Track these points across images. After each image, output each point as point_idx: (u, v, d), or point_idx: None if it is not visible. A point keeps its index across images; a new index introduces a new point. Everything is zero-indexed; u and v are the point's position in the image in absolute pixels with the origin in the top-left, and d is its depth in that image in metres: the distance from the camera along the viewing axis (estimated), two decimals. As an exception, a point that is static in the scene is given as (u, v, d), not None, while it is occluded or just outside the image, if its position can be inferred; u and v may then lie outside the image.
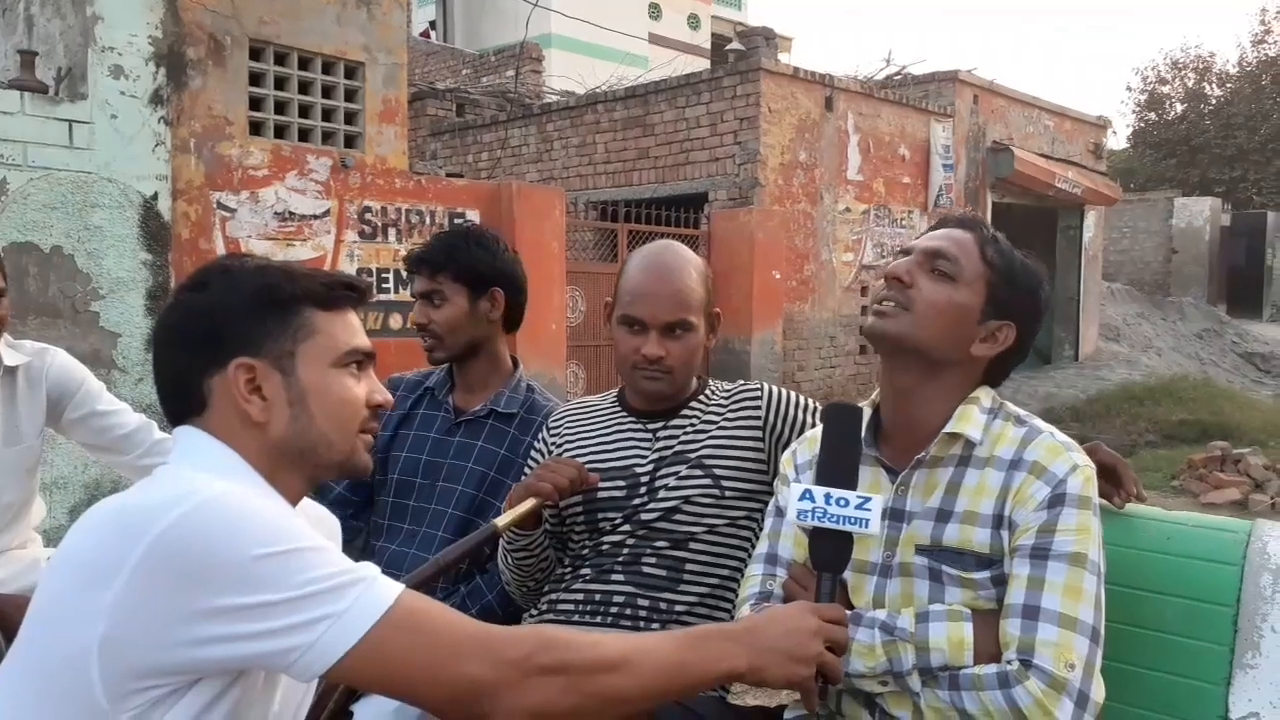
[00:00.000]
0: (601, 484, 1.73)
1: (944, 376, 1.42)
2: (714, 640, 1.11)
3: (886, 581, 1.40)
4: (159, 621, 0.93)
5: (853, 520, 1.23)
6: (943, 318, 1.38)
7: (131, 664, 0.94)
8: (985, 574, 1.33)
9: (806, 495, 1.25)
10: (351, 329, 1.17)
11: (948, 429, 1.38)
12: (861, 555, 1.41)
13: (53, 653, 0.96)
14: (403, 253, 6.09)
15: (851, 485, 1.26)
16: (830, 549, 1.26)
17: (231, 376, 1.09)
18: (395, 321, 6.04)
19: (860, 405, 1.46)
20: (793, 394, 1.83)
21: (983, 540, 1.33)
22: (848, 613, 1.31)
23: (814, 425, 1.72)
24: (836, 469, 1.28)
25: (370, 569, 1.02)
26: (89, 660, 0.94)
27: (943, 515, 1.37)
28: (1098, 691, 1.24)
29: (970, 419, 1.39)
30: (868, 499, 1.24)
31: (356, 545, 2.08)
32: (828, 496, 1.25)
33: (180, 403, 1.12)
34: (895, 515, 1.41)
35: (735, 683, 1.15)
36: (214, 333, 1.10)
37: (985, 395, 1.44)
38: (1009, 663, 1.26)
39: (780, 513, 1.53)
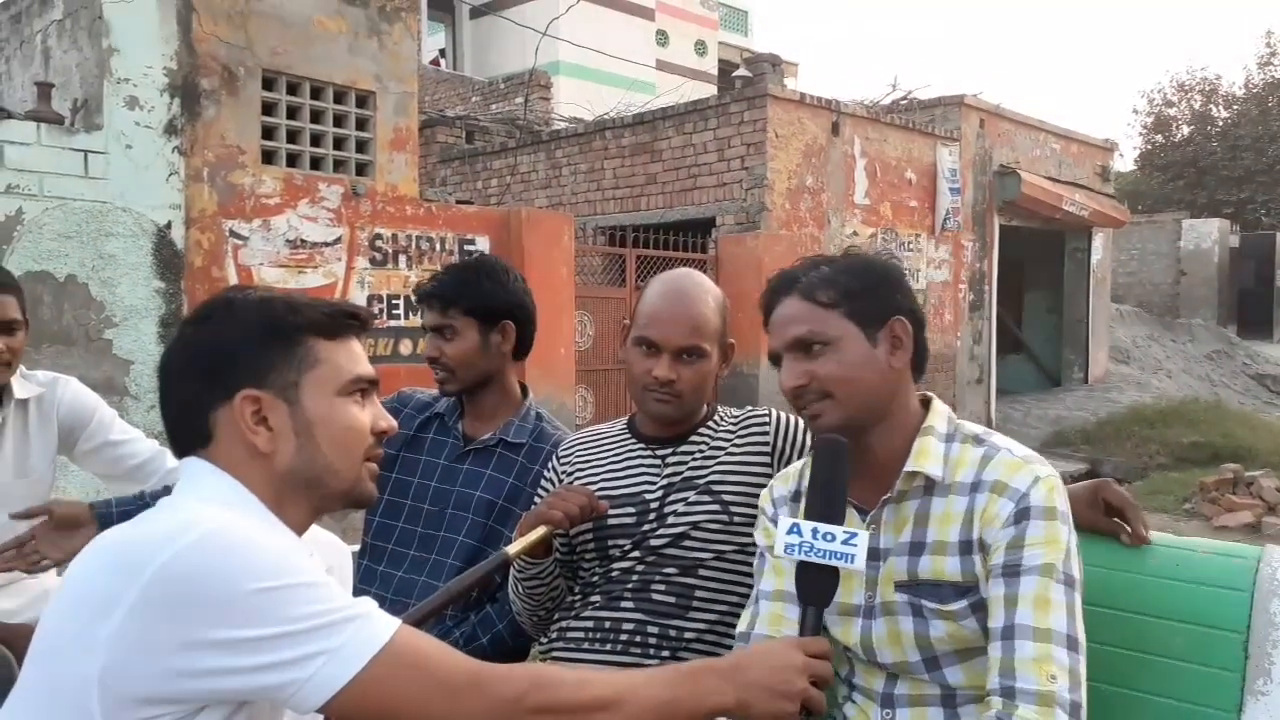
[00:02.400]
0: (611, 511, 1.74)
1: (890, 410, 1.44)
2: (702, 677, 1.12)
3: (871, 623, 1.41)
4: (157, 653, 0.94)
5: (839, 555, 1.23)
6: (855, 375, 1.40)
7: (131, 695, 0.95)
8: (963, 603, 1.34)
9: (794, 529, 1.25)
10: (355, 357, 1.18)
11: (908, 467, 1.40)
12: (846, 598, 1.42)
13: (54, 683, 0.98)
14: (413, 279, 6.14)
15: (839, 520, 1.26)
16: (816, 583, 1.26)
17: (238, 408, 1.10)
18: (405, 347, 6.07)
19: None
20: (800, 420, 1.83)
21: (954, 569, 1.35)
22: None
23: None
24: (825, 504, 1.28)
25: (368, 604, 1.03)
26: (89, 691, 0.95)
27: (915, 548, 1.38)
28: (1083, 695, 1.25)
29: (928, 453, 1.40)
30: (854, 534, 1.24)
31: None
32: (815, 531, 1.25)
33: (187, 435, 1.13)
34: (872, 554, 1.40)
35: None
36: (219, 365, 1.11)
37: (940, 419, 1.45)
38: (990, 700, 1.26)
39: (763, 554, 1.54)
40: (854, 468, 1.44)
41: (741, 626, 1.53)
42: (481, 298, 2.05)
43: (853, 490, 1.45)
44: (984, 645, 1.34)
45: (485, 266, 2.14)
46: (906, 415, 1.45)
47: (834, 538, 1.24)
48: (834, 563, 1.24)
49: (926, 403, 1.48)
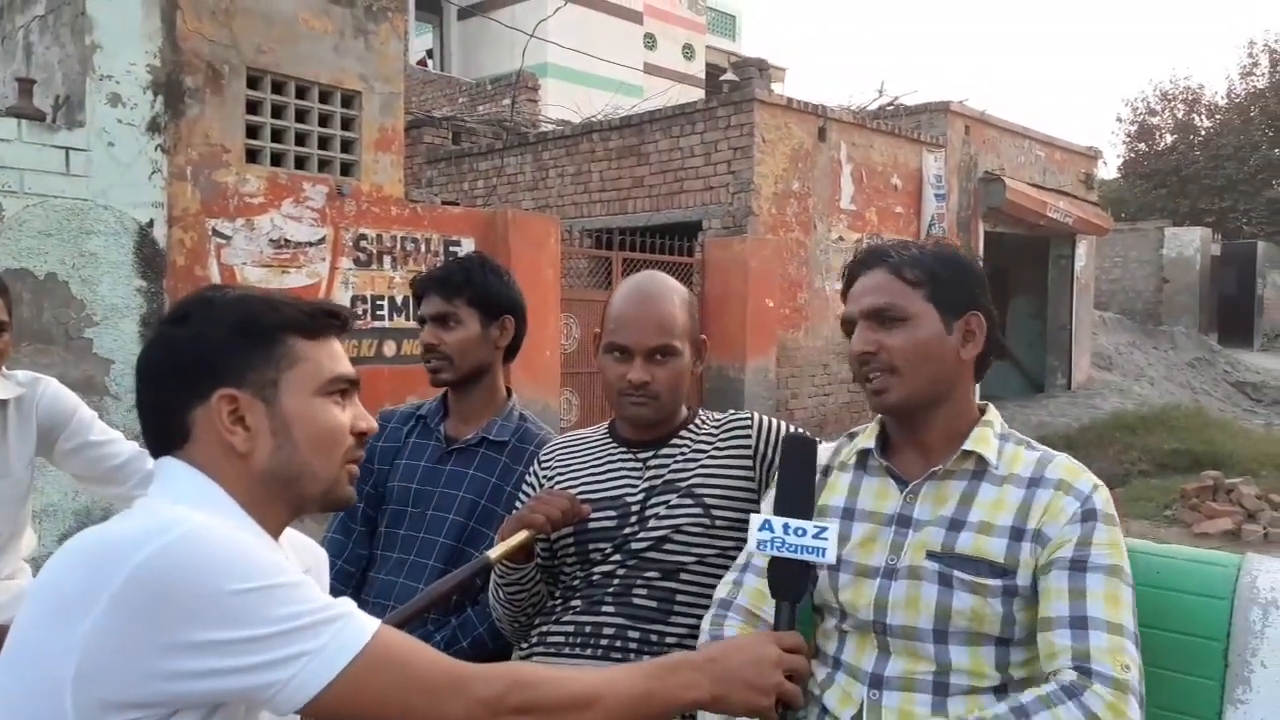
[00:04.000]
0: (593, 514, 1.73)
1: (948, 396, 1.48)
2: (679, 671, 1.14)
3: (890, 584, 1.41)
4: (133, 655, 0.93)
5: (810, 549, 1.26)
6: (922, 356, 1.44)
7: (105, 697, 0.94)
8: (998, 582, 1.36)
9: (766, 525, 1.28)
10: (335, 356, 1.17)
11: (966, 446, 1.44)
12: (864, 560, 1.44)
13: (27, 685, 0.96)
14: (398, 280, 6.11)
15: (808, 515, 1.29)
16: (788, 578, 1.28)
17: (215, 408, 1.09)
18: (389, 349, 6.04)
19: (817, 437, 1.50)
20: (783, 423, 1.83)
21: (998, 550, 1.37)
22: None
23: None
24: (794, 499, 1.30)
25: (347, 605, 1.03)
26: (63, 694, 0.93)
27: (956, 524, 1.40)
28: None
29: (987, 441, 1.45)
30: (824, 528, 1.27)
31: (355, 576, 2.06)
32: (786, 526, 1.27)
33: (164, 435, 1.12)
34: (902, 522, 1.44)
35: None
36: (197, 365, 1.10)
37: (996, 420, 1.51)
38: (1062, 673, 1.27)
39: None
40: (902, 441, 1.51)
41: (722, 593, 1.54)
42: (486, 289, 2.08)
43: (897, 462, 1.50)
44: (996, 635, 1.36)
45: (489, 262, 2.17)
46: (965, 406, 1.50)
47: (805, 532, 1.26)
48: (805, 557, 1.26)
49: (983, 407, 1.54)
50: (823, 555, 1.25)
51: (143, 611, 0.93)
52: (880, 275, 1.48)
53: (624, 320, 1.74)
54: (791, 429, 1.82)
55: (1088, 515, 1.35)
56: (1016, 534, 1.37)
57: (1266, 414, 13.72)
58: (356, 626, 1.00)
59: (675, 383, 1.75)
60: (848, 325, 1.51)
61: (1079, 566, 1.32)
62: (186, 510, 1.02)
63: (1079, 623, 1.29)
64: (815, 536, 1.26)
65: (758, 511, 1.71)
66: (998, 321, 1.52)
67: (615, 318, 1.76)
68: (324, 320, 1.17)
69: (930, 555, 1.40)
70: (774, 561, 1.28)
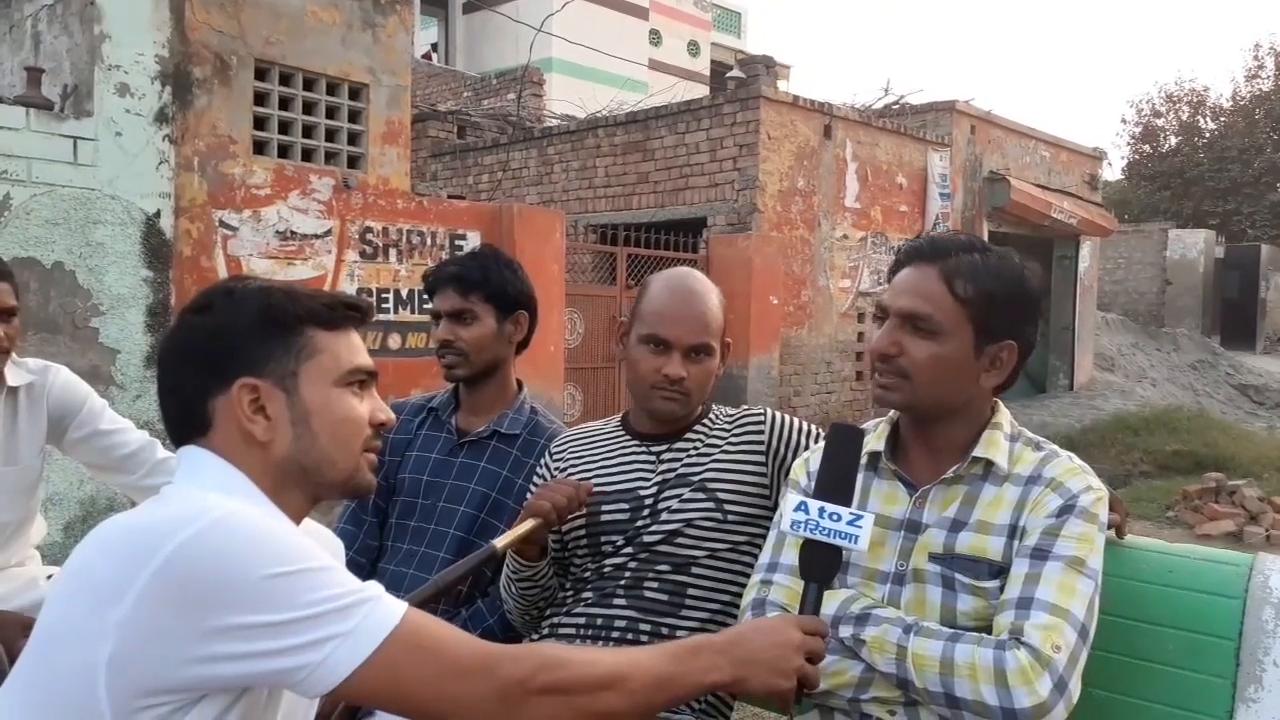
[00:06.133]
0: (604, 506, 1.74)
1: (960, 409, 1.46)
2: (702, 653, 1.16)
3: (901, 589, 1.43)
4: (168, 640, 0.94)
5: (843, 535, 1.27)
6: (940, 373, 1.42)
7: (139, 682, 0.95)
8: (996, 583, 1.37)
9: (802, 507, 1.29)
10: (354, 348, 1.19)
11: (977, 453, 1.43)
12: (873, 564, 1.45)
13: (58, 670, 0.97)
14: (403, 273, 6.11)
15: (846, 502, 1.30)
16: (819, 560, 1.29)
17: (235, 397, 1.10)
18: (394, 341, 6.04)
19: (864, 427, 1.50)
20: (796, 419, 1.84)
21: (997, 549, 1.38)
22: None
23: None
24: (833, 485, 1.31)
25: (376, 588, 1.04)
26: (96, 678, 0.94)
27: (956, 525, 1.41)
28: (1075, 685, 1.28)
29: (997, 445, 1.44)
30: (860, 516, 1.27)
31: (365, 567, 2.07)
32: (822, 510, 1.28)
33: (185, 423, 1.13)
34: (911, 527, 1.45)
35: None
36: (218, 354, 1.12)
37: (1005, 420, 1.49)
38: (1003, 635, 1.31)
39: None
40: (912, 445, 1.50)
41: (751, 595, 1.53)
42: (503, 285, 2.09)
43: (906, 466, 1.50)
44: None
45: (502, 256, 2.17)
46: (976, 414, 1.48)
47: (840, 518, 1.28)
48: (838, 542, 1.27)
49: (993, 406, 1.52)
50: (855, 542, 1.26)
51: (177, 597, 0.94)
52: (931, 277, 1.41)
53: (666, 315, 1.74)
54: (805, 425, 1.83)
55: (1065, 510, 1.36)
56: (1012, 531, 1.38)
57: (1269, 417, 13.70)
58: (386, 609, 1.02)
59: (706, 381, 1.77)
60: (882, 312, 1.48)
61: (1040, 555, 1.34)
62: (217, 497, 1.03)
63: (1025, 604, 1.31)
64: (850, 523, 1.27)
65: (770, 507, 1.72)
66: (1033, 348, 1.47)
67: (657, 310, 1.75)
68: (344, 312, 1.18)
69: (932, 557, 1.41)
70: (806, 543, 1.29)
